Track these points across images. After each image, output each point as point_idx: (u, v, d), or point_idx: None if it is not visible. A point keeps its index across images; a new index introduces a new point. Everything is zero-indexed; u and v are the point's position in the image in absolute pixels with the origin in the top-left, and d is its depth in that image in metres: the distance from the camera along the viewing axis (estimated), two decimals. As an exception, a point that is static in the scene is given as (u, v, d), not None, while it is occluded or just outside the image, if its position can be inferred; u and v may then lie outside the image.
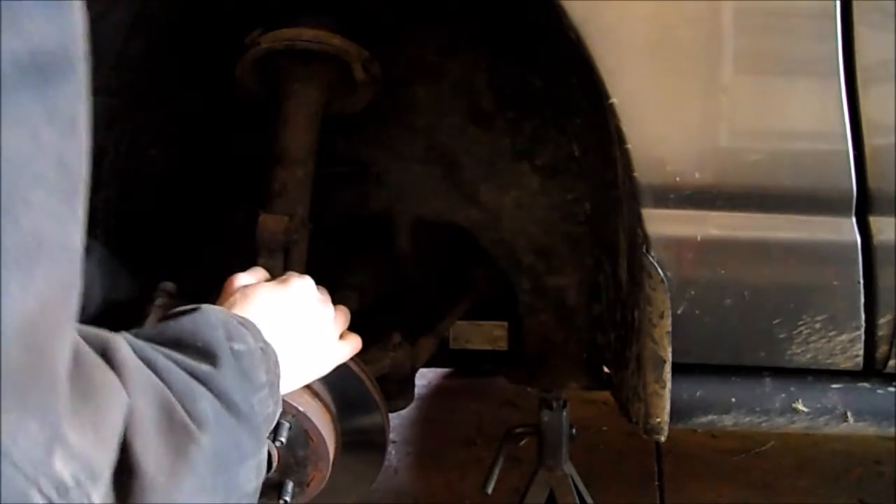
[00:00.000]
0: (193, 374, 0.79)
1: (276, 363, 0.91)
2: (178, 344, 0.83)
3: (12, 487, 0.54)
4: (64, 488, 0.58)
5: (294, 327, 0.93)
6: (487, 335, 1.58)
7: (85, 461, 0.60)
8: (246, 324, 0.91)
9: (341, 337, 1.10)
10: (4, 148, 0.52)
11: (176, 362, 0.80)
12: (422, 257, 1.56)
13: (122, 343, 0.74)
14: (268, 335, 0.92)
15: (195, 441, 0.75)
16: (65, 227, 0.58)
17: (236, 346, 0.86)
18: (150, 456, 0.70)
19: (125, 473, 0.67)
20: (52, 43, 0.55)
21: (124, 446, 0.67)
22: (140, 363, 0.75)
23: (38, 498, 0.55)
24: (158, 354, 0.78)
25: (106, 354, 0.70)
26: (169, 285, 1.20)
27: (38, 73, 0.54)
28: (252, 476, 0.83)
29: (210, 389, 0.80)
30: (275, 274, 1.16)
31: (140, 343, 0.77)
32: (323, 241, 1.38)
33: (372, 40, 1.35)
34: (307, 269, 1.27)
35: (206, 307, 0.89)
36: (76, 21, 0.57)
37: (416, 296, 1.59)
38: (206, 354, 0.83)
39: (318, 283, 1.11)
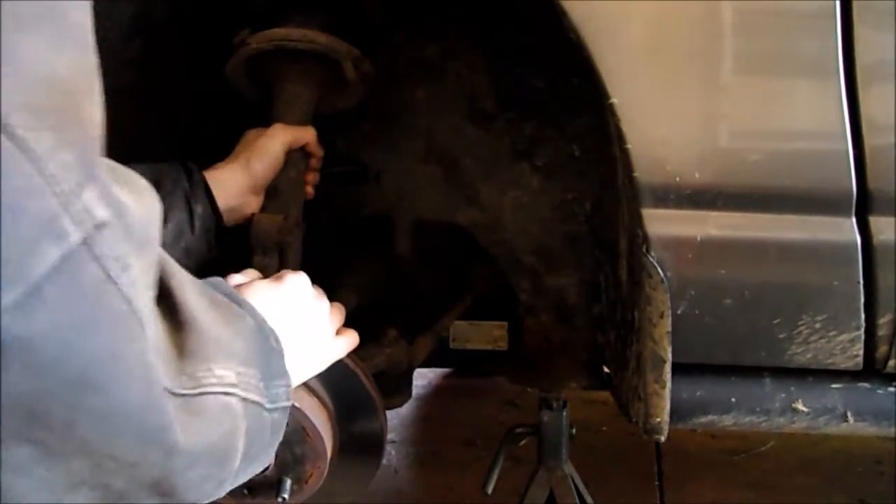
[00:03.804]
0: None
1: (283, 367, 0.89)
2: None
3: (42, 208, 0.50)
4: (96, 222, 0.53)
5: (290, 324, 0.93)
6: (487, 335, 1.58)
7: (121, 208, 0.56)
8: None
9: (337, 333, 1.10)
10: None
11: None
12: (422, 257, 1.56)
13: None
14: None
15: (243, 317, 0.76)
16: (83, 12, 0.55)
17: None
18: (194, 300, 0.67)
19: (172, 315, 0.65)
20: None
21: (166, 291, 0.64)
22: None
23: (69, 224, 0.52)
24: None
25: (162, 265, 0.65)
26: None
27: None
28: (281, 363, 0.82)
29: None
30: (269, 273, 1.16)
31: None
32: (323, 242, 1.38)
33: (365, 39, 1.34)
34: (307, 269, 1.27)
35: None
36: None
37: (416, 295, 1.59)
38: None
39: (317, 282, 1.11)
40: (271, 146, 1.27)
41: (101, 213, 0.54)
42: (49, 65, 0.52)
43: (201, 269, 1.01)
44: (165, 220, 1.12)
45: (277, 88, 1.34)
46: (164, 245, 0.68)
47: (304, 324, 0.98)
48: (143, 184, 0.63)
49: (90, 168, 0.54)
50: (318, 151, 1.35)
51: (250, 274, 1.10)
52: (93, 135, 0.56)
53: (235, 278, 1.07)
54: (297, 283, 1.02)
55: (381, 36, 1.40)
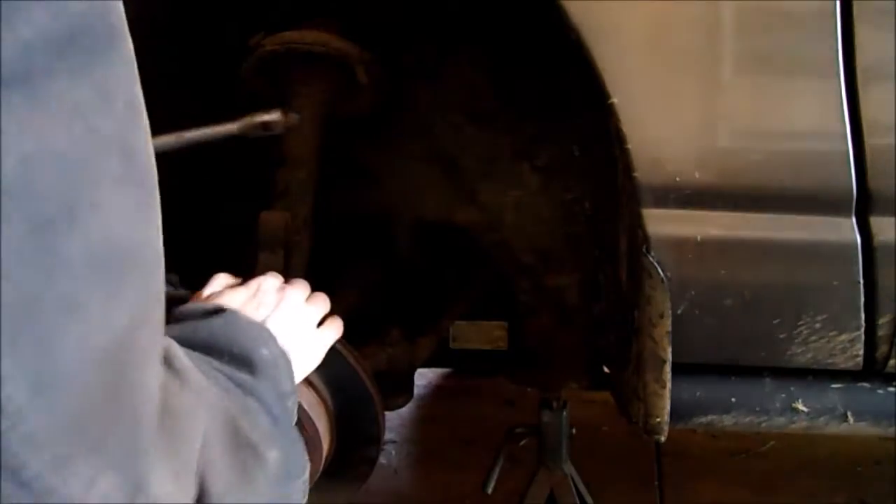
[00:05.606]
0: (239, 385, 0.73)
1: (292, 370, 0.85)
2: (211, 348, 0.75)
3: None
4: None
5: (283, 336, 0.87)
6: (487, 335, 1.58)
7: None
8: (263, 328, 0.85)
9: (322, 323, 1.02)
10: (54, 145, 0.43)
11: (220, 371, 0.73)
12: (422, 257, 1.56)
13: (175, 347, 0.64)
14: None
15: (260, 461, 0.70)
16: (141, 225, 0.50)
17: (264, 352, 0.80)
18: (221, 482, 0.64)
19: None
20: (92, 15, 0.45)
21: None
22: (200, 375, 0.66)
23: None
24: (202, 362, 0.71)
25: (167, 361, 0.61)
26: (173, 277, 1.18)
27: (79, 52, 0.45)
28: (300, 495, 0.79)
29: (258, 401, 0.74)
30: (275, 270, 1.15)
31: (180, 349, 0.67)
32: (323, 241, 1.38)
33: (376, 42, 1.35)
34: (308, 269, 1.27)
35: (227, 307, 0.83)
36: None
37: (416, 295, 1.59)
38: (243, 362, 0.76)
39: (317, 283, 1.10)
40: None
41: None
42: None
43: None
44: None
45: (289, 92, 1.35)
46: None
47: (291, 329, 0.91)
48: (187, 431, 0.59)
49: (138, 482, 0.50)
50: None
51: (220, 280, 1.01)
52: (143, 423, 0.51)
53: (207, 289, 0.99)
54: (268, 284, 0.96)
55: (392, 38, 1.40)
